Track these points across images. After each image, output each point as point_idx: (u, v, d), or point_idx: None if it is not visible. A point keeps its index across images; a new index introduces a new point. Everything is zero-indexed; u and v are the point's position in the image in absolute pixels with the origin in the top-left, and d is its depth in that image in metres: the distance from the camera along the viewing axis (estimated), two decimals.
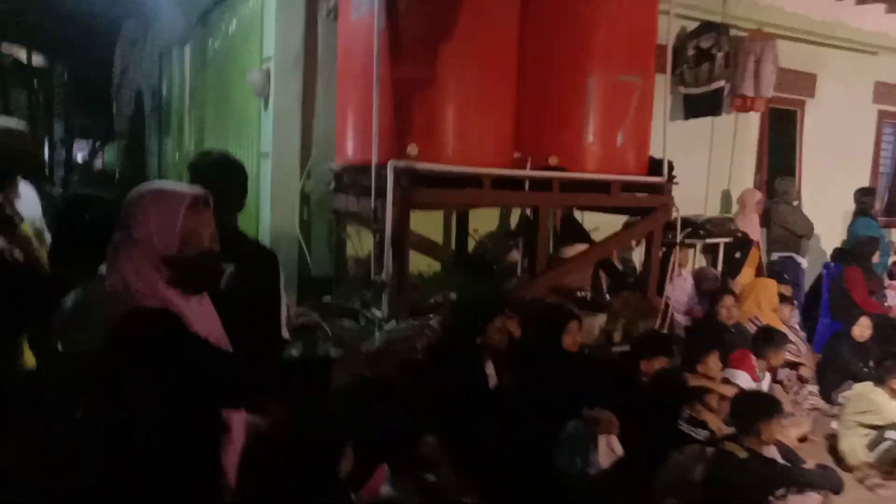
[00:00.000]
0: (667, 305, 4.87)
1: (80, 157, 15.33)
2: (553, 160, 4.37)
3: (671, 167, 4.75)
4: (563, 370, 3.46)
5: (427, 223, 5.01)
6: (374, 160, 3.78)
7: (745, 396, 3.32)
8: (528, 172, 4.21)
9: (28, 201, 2.85)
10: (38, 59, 11.54)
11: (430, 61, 3.91)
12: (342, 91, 4.33)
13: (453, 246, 5.22)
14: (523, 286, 4.46)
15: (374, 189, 3.79)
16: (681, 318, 5.13)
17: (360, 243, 4.50)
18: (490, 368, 3.62)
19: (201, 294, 1.79)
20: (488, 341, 3.68)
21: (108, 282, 1.66)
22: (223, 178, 2.62)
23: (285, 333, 3.03)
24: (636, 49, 4.54)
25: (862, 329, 4.88)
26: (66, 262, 2.40)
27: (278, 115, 4.92)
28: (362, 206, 4.04)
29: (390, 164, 3.71)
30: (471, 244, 5.31)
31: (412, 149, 3.80)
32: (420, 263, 4.81)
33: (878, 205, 7.22)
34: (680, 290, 5.21)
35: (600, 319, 4.56)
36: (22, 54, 11.03)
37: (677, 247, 5.16)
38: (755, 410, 3.09)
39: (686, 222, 5.69)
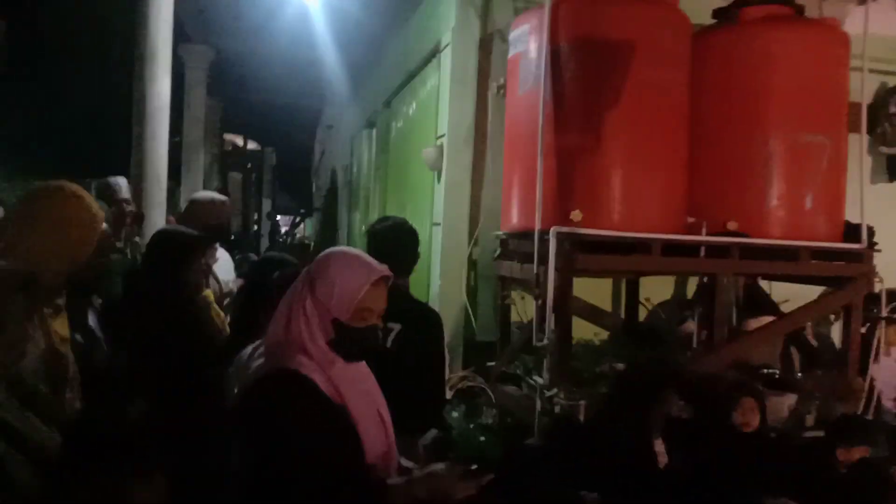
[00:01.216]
0: (871, 388, 4.30)
1: (283, 229, 17.10)
2: (732, 225, 4.14)
3: (871, 233, 4.29)
4: (738, 452, 3.15)
5: (596, 291, 4.91)
6: (538, 225, 3.82)
7: None
8: (703, 238, 4.02)
9: (224, 265, 3.22)
10: (251, 145, 13.21)
11: (595, 127, 3.92)
12: (509, 162, 4.46)
13: (623, 314, 5.04)
14: (699, 359, 4.18)
15: (537, 255, 3.81)
16: (890, 404, 4.48)
17: (524, 309, 4.51)
18: (660, 446, 3.40)
19: (356, 361, 1.83)
20: (658, 416, 3.47)
21: (270, 331, 1.78)
22: (397, 242, 2.81)
23: (447, 392, 3.09)
24: (822, 107, 4.24)
25: None
26: (253, 319, 2.67)
27: (449, 187, 5.16)
28: (526, 273, 4.07)
29: (553, 230, 3.73)
30: (643, 314, 5.10)
31: (576, 215, 3.79)
32: (587, 331, 4.70)
33: None
34: (888, 371, 4.57)
35: (790, 400, 4.12)
36: (239, 141, 12.69)
37: (883, 322, 4.57)
38: None
39: (894, 295, 5.06)
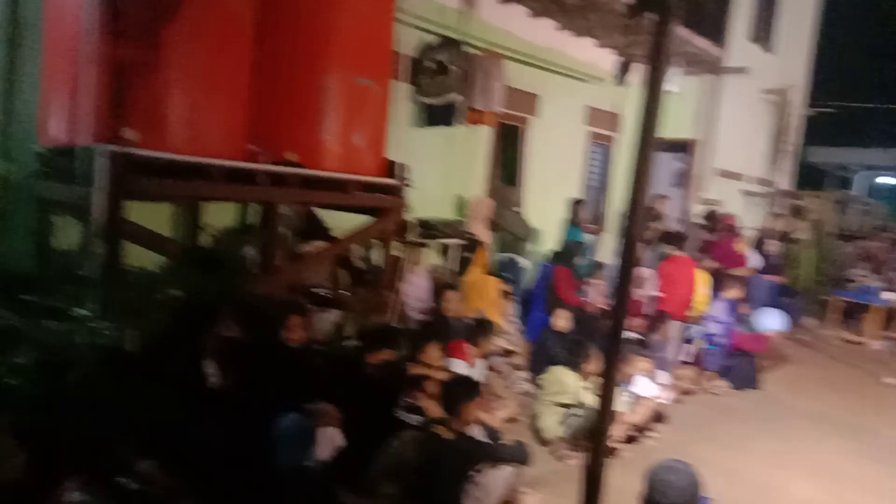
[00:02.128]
0: (400, 301, 5.12)
1: None
2: (290, 156, 4.36)
3: (406, 171, 5.00)
4: (285, 366, 3.45)
5: (154, 215, 4.68)
6: (83, 142, 3.46)
7: (449, 382, 3.59)
8: (261, 167, 4.14)
9: None
10: None
11: (154, 40, 3.67)
12: (49, 65, 3.89)
13: (183, 240, 4.93)
14: (258, 282, 4.37)
15: (84, 175, 3.45)
16: (415, 313, 5.41)
17: (67, 235, 4.06)
18: (211, 367, 3.50)
19: None
20: (211, 339, 3.56)
21: None
22: None
23: None
24: (372, 54, 4.70)
25: (560, 320, 5.56)
26: None
27: None
28: (71, 194, 3.66)
29: (102, 149, 3.41)
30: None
31: (130, 133, 3.53)
32: (145, 259, 4.48)
33: (587, 214, 8.27)
34: (414, 286, 5.49)
35: (335, 315, 4.63)
36: None
37: (412, 246, 5.45)
38: (457, 394, 3.36)
39: (422, 224, 6.06)
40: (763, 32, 11.21)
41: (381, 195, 4.88)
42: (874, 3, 19.36)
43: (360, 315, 4.62)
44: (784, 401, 6.44)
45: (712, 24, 8.70)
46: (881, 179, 22.16)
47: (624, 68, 7.18)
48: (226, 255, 4.76)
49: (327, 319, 4.48)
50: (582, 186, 9.18)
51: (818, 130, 15.09)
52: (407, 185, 5.02)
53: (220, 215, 5.10)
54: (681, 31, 7.93)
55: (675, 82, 8.06)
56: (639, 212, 2.34)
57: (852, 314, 9.83)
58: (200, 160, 3.82)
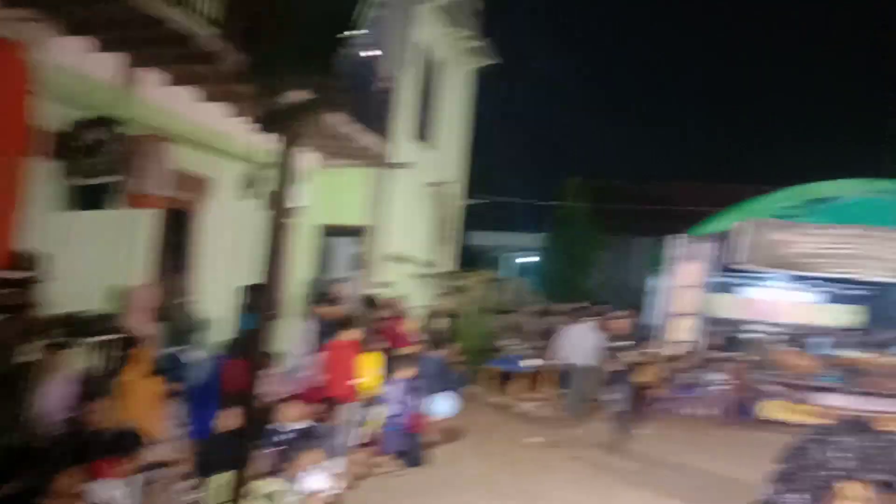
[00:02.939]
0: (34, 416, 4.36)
1: None
2: None
3: (41, 261, 4.38)
4: None
5: None
6: None
7: None
8: None
9: None
10: None
11: None
12: None
13: None
14: None
15: None
16: (52, 429, 4.63)
17: None
18: None
19: None
20: None
21: None
22: None
23: None
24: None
25: (229, 417, 5.23)
26: None
27: None
28: None
29: None
30: None
31: None
32: None
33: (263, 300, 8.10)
34: (52, 396, 4.71)
35: None
36: None
37: (51, 347, 4.72)
38: None
39: (67, 320, 5.33)
40: (424, 132, 12.55)
41: (5, 290, 4.18)
42: (520, 117, 23.43)
43: None
44: (450, 473, 6.92)
45: (377, 122, 9.46)
46: (526, 259, 25.89)
47: (249, 184, 7.42)
48: None
49: None
50: (258, 272, 9.00)
51: (477, 218, 17.22)
52: (41, 279, 4.39)
53: None
54: (346, 128, 8.45)
55: (303, 198, 8.60)
56: (271, 295, 2.41)
57: (508, 379, 11.14)
58: None
